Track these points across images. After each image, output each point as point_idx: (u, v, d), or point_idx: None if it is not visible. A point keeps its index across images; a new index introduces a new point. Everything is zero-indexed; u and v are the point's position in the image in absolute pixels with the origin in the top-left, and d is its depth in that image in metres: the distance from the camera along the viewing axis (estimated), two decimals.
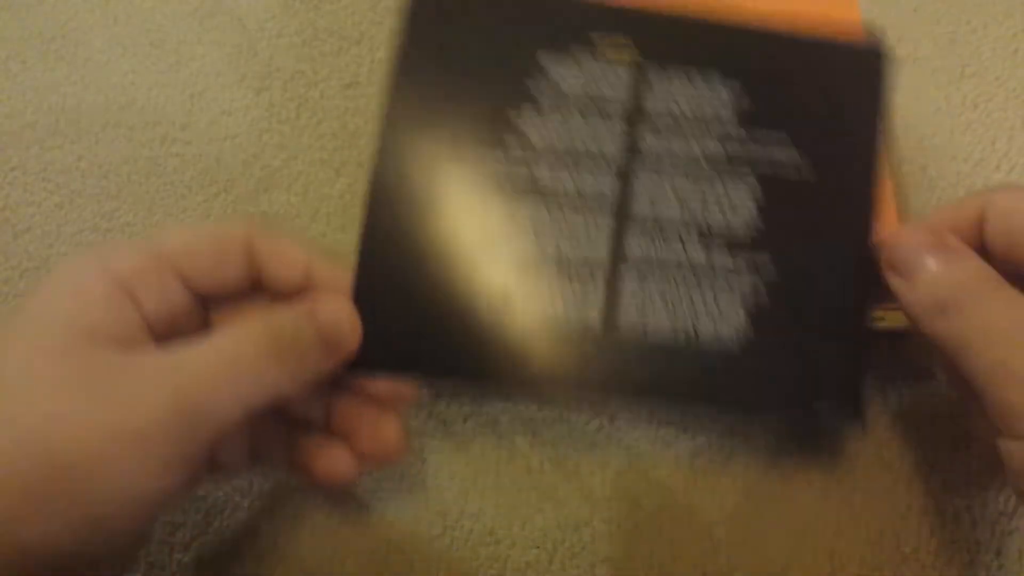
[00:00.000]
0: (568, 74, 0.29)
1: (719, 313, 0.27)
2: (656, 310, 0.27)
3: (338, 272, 0.28)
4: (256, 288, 0.28)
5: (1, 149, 0.38)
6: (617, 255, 0.28)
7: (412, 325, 0.27)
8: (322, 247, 0.30)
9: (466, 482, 0.31)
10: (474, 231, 0.28)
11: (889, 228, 0.32)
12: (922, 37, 0.37)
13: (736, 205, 0.28)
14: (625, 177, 0.28)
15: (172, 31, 0.40)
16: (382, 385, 0.28)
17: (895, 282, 0.26)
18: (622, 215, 0.28)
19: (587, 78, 0.29)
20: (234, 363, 0.24)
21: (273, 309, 0.27)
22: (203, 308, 0.27)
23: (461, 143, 0.28)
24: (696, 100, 0.29)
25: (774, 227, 0.28)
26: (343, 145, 0.37)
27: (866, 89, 0.29)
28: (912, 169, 0.35)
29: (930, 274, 0.25)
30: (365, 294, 0.27)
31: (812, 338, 0.27)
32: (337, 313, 0.26)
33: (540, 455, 0.31)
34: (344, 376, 0.27)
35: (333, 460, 0.27)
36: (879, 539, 0.29)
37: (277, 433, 0.28)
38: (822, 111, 0.29)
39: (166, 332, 0.25)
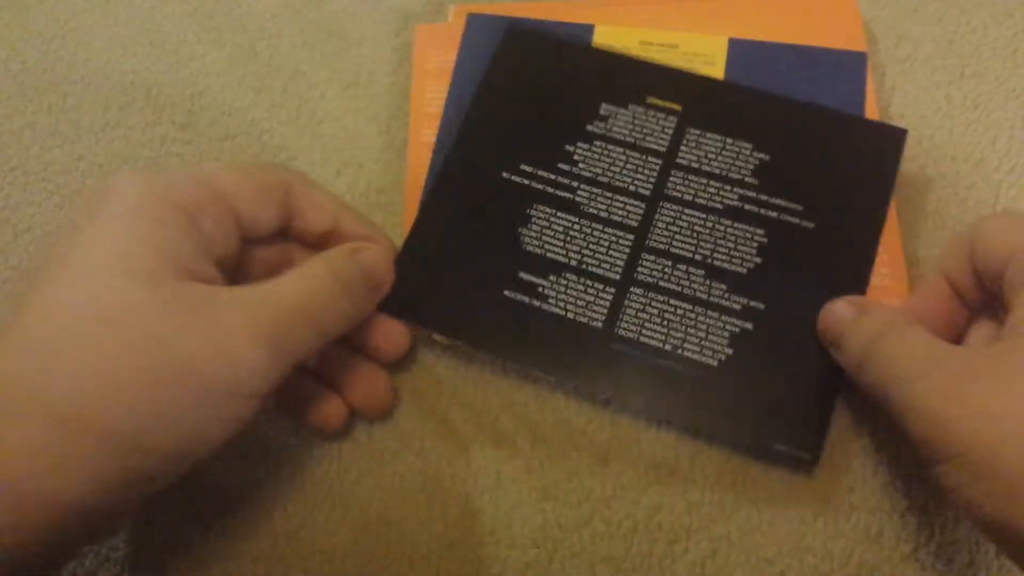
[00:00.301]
0: (622, 123, 0.34)
1: (707, 342, 0.30)
2: (652, 328, 0.30)
3: (364, 222, 0.30)
4: (281, 233, 0.29)
5: (1, 149, 0.38)
6: (629, 276, 0.31)
7: (446, 291, 0.31)
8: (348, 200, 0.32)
9: (467, 482, 0.31)
10: (514, 228, 0.32)
11: (890, 236, 0.32)
12: (922, 37, 0.37)
13: (742, 254, 0.31)
14: (650, 212, 0.32)
15: (172, 31, 0.40)
16: (380, 338, 0.30)
17: (834, 355, 0.29)
18: (641, 244, 0.32)
19: (636, 129, 0.34)
20: (313, 298, 0.26)
21: (309, 251, 0.29)
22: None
23: (521, 159, 0.33)
24: (724, 160, 0.33)
25: (773, 280, 0.31)
26: (343, 145, 0.37)
27: (881, 167, 0.32)
28: (912, 169, 0.35)
29: (850, 335, 0.27)
30: (411, 253, 0.32)
31: (786, 385, 0.29)
32: (376, 255, 0.29)
33: (540, 455, 0.31)
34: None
35: (327, 409, 0.30)
36: (879, 539, 0.29)
37: None
38: (837, 182, 0.32)
39: (222, 269, 0.26)
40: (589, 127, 0.34)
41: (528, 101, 0.34)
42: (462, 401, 0.32)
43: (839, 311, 0.29)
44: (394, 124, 0.37)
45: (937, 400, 0.24)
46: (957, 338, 0.29)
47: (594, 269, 0.31)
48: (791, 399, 0.29)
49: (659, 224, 0.32)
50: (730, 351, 0.30)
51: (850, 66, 0.35)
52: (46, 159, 0.37)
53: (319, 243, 0.30)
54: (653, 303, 0.31)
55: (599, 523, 0.30)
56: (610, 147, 0.33)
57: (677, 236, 0.32)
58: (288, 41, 0.39)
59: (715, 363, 0.30)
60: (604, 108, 0.34)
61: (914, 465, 0.30)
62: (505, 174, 0.33)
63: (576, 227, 0.32)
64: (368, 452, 0.32)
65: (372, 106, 0.38)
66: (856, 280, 0.31)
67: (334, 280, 0.27)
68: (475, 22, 0.37)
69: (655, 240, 0.32)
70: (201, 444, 0.24)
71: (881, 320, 0.27)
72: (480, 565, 0.30)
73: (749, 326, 0.30)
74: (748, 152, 0.33)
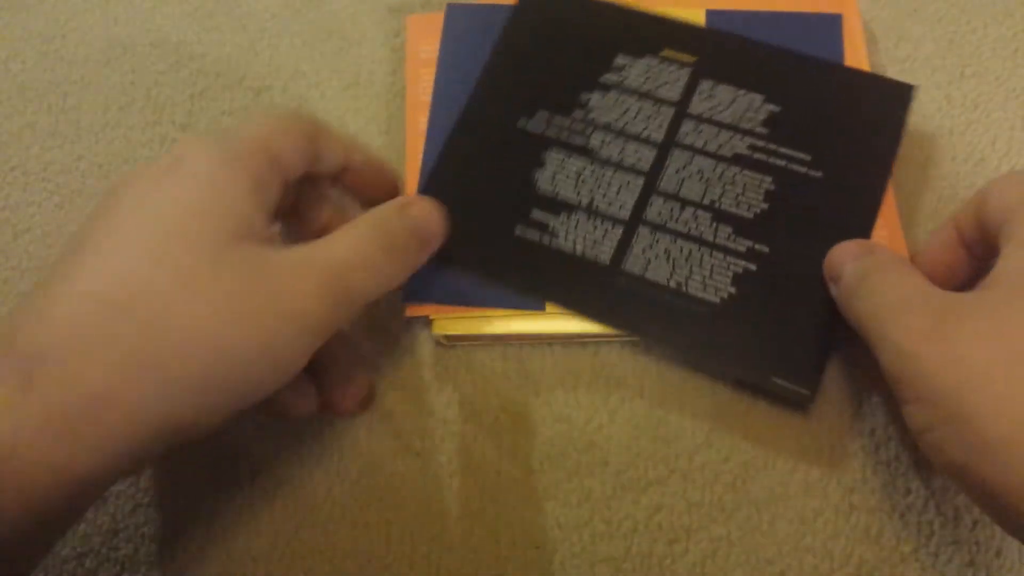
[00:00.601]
0: (636, 74, 0.35)
1: (710, 281, 0.31)
2: (658, 264, 0.32)
3: (373, 159, 0.31)
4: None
5: (1, 149, 0.38)
6: (638, 216, 0.32)
7: (459, 229, 0.31)
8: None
9: (467, 481, 0.31)
10: (529, 172, 0.33)
11: (891, 228, 0.32)
12: (922, 37, 0.37)
13: (749, 200, 0.32)
14: (661, 158, 0.33)
15: (172, 31, 0.40)
16: None
17: (832, 291, 0.29)
18: (651, 187, 0.33)
19: (650, 79, 0.35)
20: (364, 256, 0.26)
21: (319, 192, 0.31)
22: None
23: (538, 108, 0.34)
24: (736, 110, 0.34)
25: (778, 225, 0.31)
26: None
27: (889, 121, 0.33)
28: (912, 169, 0.35)
29: (848, 270, 0.28)
30: (427, 195, 0.31)
31: (786, 324, 0.30)
32: (425, 210, 0.30)
33: (540, 455, 0.31)
34: None
35: (300, 399, 0.29)
36: (879, 539, 0.29)
37: None
38: (846, 135, 0.33)
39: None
40: (604, 77, 0.35)
41: (546, 53, 0.35)
42: (462, 401, 0.32)
43: (847, 247, 0.29)
44: (394, 124, 0.37)
45: (913, 338, 0.24)
46: (961, 290, 0.29)
47: (604, 209, 0.32)
48: (791, 337, 0.30)
49: (670, 169, 0.33)
50: (733, 290, 0.31)
51: (826, 28, 0.36)
52: (46, 159, 0.37)
53: (332, 181, 0.31)
54: (660, 242, 0.32)
55: (599, 523, 0.30)
56: (624, 96, 0.34)
57: (687, 181, 0.33)
58: (288, 41, 0.39)
59: (717, 300, 0.31)
60: (619, 59, 0.35)
61: (914, 465, 0.30)
62: (521, 122, 0.34)
63: (588, 170, 0.33)
64: (368, 452, 0.32)
65: (372, 106, 0.38)
66: (859, 229, 0.31)
67: (383, 238, 0.27)
68: (455, 12, 0.37)
69: (665, 184, 0.33)
70: (255, 396, 0.25)
71: (880, 259, 0.28)
72: (480, 565, 0.30)
73: (753, 267, 0.31)
74: (759, 103, 0.33)
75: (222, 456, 0.32)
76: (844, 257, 0.29)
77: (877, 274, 0.27)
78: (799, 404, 0.31)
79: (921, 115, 0.36)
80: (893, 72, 0.37)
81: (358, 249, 0.27)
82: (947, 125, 0.36)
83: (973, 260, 0.29)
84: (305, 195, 0.31)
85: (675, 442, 0.31)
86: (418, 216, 0.29)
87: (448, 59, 0.36)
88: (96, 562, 0.31)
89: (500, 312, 0.32)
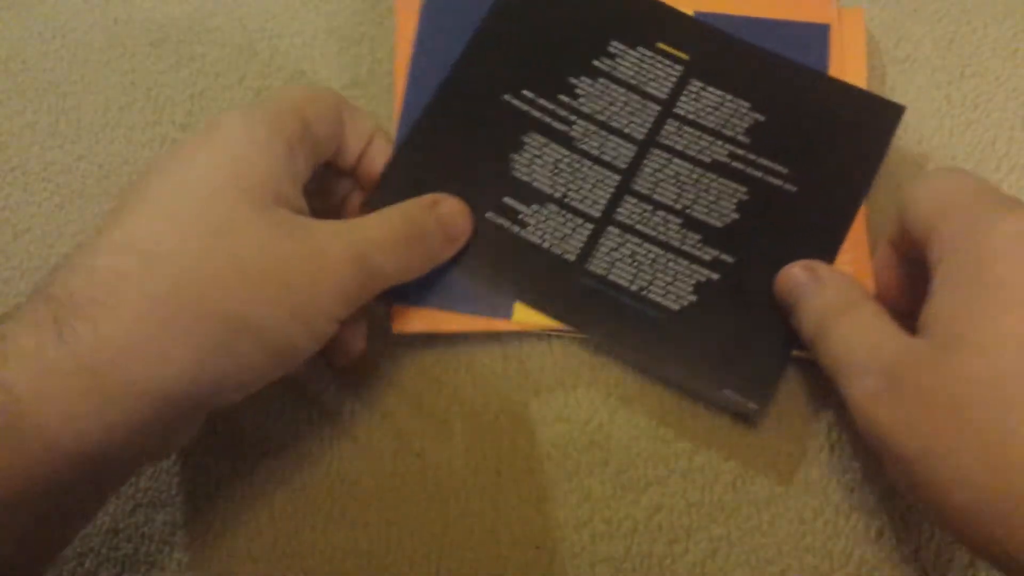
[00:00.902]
0: (628, 64, 0.34)
1: (672, 287, 0.31)
2: (622, 268, 0.31)
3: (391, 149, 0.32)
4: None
5: (1, 149, 0.38)
6: (608, 216, 0.32)
7: None
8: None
9: (467, 482, 0.31)
10: (507, 153, 0.33)
11: (857, 251, 0.31)
12: (922, 37, 0.37)
13: (721, 209, 0.32)
14: (640, 157, 0.33)
15: (172, 31, 0.40)
16: None
17: (792, 323, 0.28)
18: (625, 186, 0.32)
19: (641, 72, 0.34)
20: (391, 241, 0.27)
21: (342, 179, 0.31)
22: None
23: (524, 84, 0.34)
24: (721, 116, 0.33)
25: (747, 237, 0.31)
26: None
27: (873, 141, 0.32)
28: (912, 169, 0.35)
29: (805, 306, 0.28)
30: (400, 166, 0.32)
31: (742, 336, 0.30)
32: (454, 208, 0.30)
33: (540, 455, 0.31)
34: None
35: None
36: (879, 539, 0.29)
37: None
38: (827, 151, 0.32)
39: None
40: (596, 62, 0.34)
41: (539, 29, 0.35)
42: (462, 402, 0.32)
43: (795, 275, 0.29)
44: (394, 124, 0.37)
45: (869, 403, 0.24)
46: (916, 300, 0.28)
47: (576, 204, 0.32)
48: (745, 350, 0.30)
49: (646, 169, 0.32)
50: (693, 298, 0.31)
51: (813, 38, 0.35)
52: (46, 159, 0.37)
53: (351, 170, 0.31)
54: (627, 244, 0.32)
55: (599, 523, 0.30)
56: (612, 86, 0.34)
57: (662, 183, 0.32)
58: (288, 41, 0.39)
59: (677, 307, 0.31)
60: (613, 46, 0.34)
61: None
62: (506, 97, 0.33)
63: (566, 161, 0.33)
64: (368, 452, 0.32)
65: (372, 106, 0.38)
66: (826, 248, 0.31)
67: (410, 227, 0.28)
68: None
69: (639, 184, 0.32)
70: (286, 358, 0.25)
71: (833, 295, 0.27)
72: (480, 565, 0.30)
73: (715, 276, 0.31)
74: (745, 111, 0.33)
75: (221, 456, 0.32)
76: (794, 287, 0.28)
77: (831, 320, 0.26)
78: (747, 418, 0.31)
79: (921, 115, 0.36)
80: (893, 72, 0.37)
81: (386, 233, 0.27)
82: (947, 125, 0.36)
83: (916, 267, 0.28)
84: (323, 186, 0.31)
85: (675, 442, 0.31)
86: (446, 213, 0.30)
87: (426, 41, 0.35)
88: (96, 562, 0.31)
89: (466, 318, 0.31)
